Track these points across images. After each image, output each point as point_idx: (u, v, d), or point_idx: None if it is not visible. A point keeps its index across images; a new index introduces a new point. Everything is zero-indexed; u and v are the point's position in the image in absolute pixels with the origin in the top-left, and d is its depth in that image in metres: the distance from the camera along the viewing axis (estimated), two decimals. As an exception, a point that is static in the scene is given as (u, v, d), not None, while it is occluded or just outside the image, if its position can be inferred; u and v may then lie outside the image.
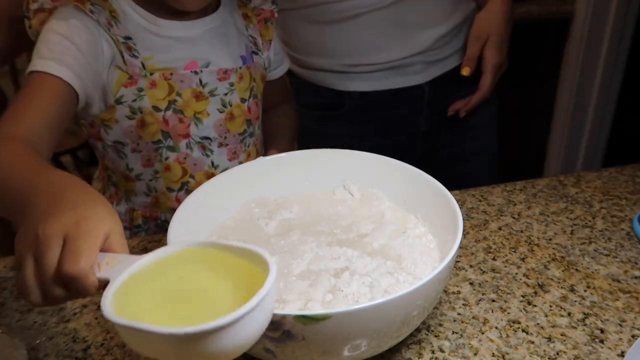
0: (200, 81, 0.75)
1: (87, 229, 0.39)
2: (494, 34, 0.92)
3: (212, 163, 0.80)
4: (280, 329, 0.39)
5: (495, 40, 0.93)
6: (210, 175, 0.79)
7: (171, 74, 0.73)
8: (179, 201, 0.80)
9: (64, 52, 0.65)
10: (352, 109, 0.97)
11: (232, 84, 0.78)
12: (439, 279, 0.43)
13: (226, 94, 0.78)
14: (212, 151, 0.79)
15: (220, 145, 0.79)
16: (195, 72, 0.75)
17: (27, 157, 0.53)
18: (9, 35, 0.79)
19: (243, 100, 0.79)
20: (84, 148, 2.13)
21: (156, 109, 0.74)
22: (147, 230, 0.83)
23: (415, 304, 0.42)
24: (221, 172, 0.79)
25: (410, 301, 0.41)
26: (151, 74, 0.72)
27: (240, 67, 0.79)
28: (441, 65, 0.97)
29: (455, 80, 0.98)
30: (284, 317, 0.38)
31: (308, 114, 1.02)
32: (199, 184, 0.79)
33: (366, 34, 0.90)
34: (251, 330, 0.35)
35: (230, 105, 0.78)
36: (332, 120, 1.00)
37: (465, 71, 0.94)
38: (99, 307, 0.58)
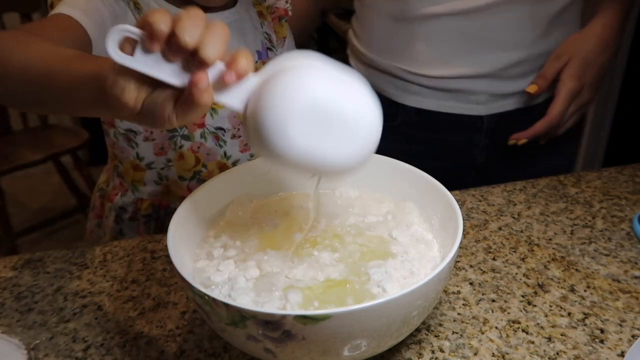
0: None
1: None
2: (577, 56, 0.79)
3: (225, 154, 0.81)
4: (280, 329, 0.39)
5: (577, 63, 0.79)
6: (222, 166, 0.81)
7: None
8: (190, 190, 0.81)
9: (93, 10, 0.65)
10: (404, 124, 0.91)
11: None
12: (439, 279, 0.43)
13: None
14: (225, 142, 0.80)
15: (234, 136, 0.81)
16: None
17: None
18: None
19: None
20: (84, 148, 2.13)
21: None
22: (158, 220, 0.84)
23: (415, 304, 0.42)
24: (233, 163, 0.81)
25: (410, 301, 0.41)
26: None
27: (256, 62, 0.81)
28: (510, 101, 0.86)
29: (524, 120, 0.84)
30: (283, 317, 0.38)
31: None
32: (210, 173, 0.81)
33: (433, 40, 0.83)
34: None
35: None
36: (383, 131, 0.95)
37: (531, 88, 0.81)
38: (99, 307, 0.58)
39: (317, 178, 0.50)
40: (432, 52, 0.83)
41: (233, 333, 0.42)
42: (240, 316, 0.40)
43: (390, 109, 0.91)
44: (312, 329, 0.39)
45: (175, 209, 0.83)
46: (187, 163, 0.80)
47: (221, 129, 0.79)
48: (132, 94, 0.38)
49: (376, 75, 0.92)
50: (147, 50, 0.36)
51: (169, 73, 0.37)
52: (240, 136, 0.81)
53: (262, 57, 0.82)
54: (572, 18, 0.84)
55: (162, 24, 0.35)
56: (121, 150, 0.81)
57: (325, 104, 0.39)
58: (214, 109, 0.78)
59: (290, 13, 0.87)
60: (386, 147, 0.95)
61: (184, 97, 0.38)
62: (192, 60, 0.37)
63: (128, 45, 0.37)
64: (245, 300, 0.45)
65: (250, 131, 0.41)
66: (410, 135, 0.92)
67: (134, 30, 0.36)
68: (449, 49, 0.82)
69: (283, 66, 0.41)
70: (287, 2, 0.86)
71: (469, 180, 0.92)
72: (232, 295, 0.46)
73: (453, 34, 0.81)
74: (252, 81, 0.41)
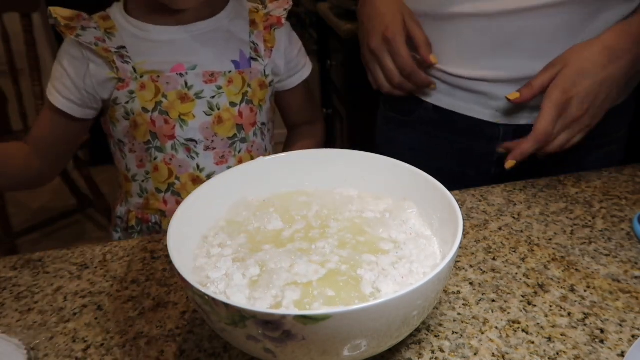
0: (186, 83, 0.77)
1: None
2: (570, 65, 0.70)
3: (198, 166, 0.80)
4: (280, 329, 0.39)
5: (568, 72, 0.69)
6: (195, 178, 0.80)
7: (158, 76, 0.76)
8: (166, 203, 0.81)
9: (59, 78, 0.78)
10: (422, 120, 0.90)
11: (219, 87, 0.79)
12: (439, 279, 0.43)
13: (213, 97, 0.79)
14: (197, 154, 0.80)
15: (207, 148, 0.80)
16: (181, 75, 0.77)
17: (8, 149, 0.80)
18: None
19: (233, 104, 0.80)
20: (84, 148, 2.13)
21: (145, 110, 0.76)
22: (140, 232, 0.84)
23: (415, 304, 0.42)
24: (207, 175, 0.80)
25: (410, 301, 0.41)
26: (141, 76, 0.75)
27: (230, 71, 0.79)
28: (532, 114, 0.79)
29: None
30: (284, 317, 0.38)
31: (385, 114, 0.98)
32: (184, 186, 0.80)
33: (459, 40, 0.79)
34: None
35: (218, 109, 0.79)
36: (402, 125, 0.94)
37: (512, 95, 0.75)
38: (99, 307, 0.58)
39: None
40: (457, 51, 0.81)
41: (233, 333, 0.42)
42: (240, 316, 0.40)
43: (409, 104, 0.90)
44: (312, 329, 0.39)
45: (155, 223, 0.85)
46: (161, 175, 0.80)
47: (192, 140, 0.79)
48: None
49: None
50: None
51: None
52: (214, 148, 0.80)
53: (239, 67, 0.80)
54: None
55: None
56: (118, 160, 0.82)
57: None
58: (183, 120, 0.78)
59: (283, 22, 0.85)
60: (406, 144, 0.95)
61: None
62: None
63: None
64: (239, 298, 0.45)
65: None
66: (427, 132, 0.90)
67: None
68: (475, 50, 0.79)
69: None
70: (284, 10, 0.85)
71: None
72: (228, 293, 0.46)
73: (480, 35, 0.77)
74: None
